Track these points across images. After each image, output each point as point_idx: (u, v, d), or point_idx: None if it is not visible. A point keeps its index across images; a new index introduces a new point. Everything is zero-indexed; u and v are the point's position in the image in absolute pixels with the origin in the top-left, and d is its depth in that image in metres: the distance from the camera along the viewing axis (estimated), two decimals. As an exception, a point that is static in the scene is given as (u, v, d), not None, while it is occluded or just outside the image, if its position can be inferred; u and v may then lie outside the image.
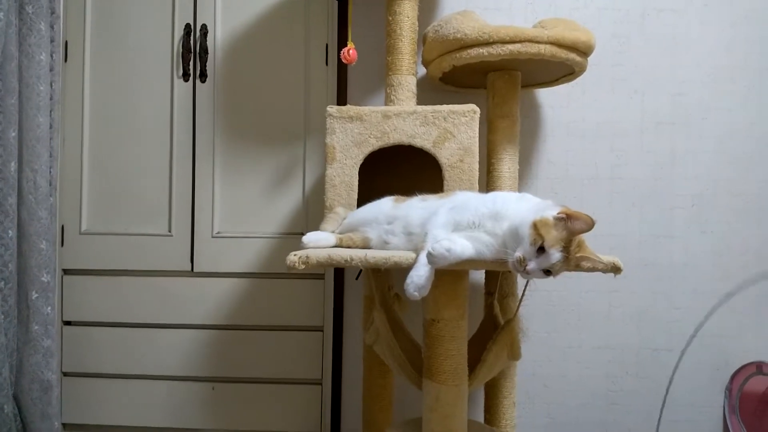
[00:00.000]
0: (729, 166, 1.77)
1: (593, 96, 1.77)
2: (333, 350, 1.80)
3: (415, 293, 1.01)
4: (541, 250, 0.96)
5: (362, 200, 1.38)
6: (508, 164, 1.53)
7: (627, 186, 1.77)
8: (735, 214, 1.77)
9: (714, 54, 1.76)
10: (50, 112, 1.71)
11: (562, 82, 1.62)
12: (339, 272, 1.81)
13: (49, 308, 1.64)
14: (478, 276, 1.65)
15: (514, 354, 1.33)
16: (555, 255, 0.96)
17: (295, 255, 1.11)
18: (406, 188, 1.32)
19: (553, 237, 0.95)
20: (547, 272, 0.98)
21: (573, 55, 1.41)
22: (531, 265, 0.96)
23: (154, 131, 1.84)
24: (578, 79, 1.60)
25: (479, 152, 1.40)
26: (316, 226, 1.38)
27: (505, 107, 1.52)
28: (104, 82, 1.85)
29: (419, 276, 1.02)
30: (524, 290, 1.35)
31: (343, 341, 1.80)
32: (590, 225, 0.94)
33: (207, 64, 1.81)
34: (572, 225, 0.96)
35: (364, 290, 1.53)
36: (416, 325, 1.36)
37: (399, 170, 1.52)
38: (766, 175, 1.76)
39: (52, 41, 1.71)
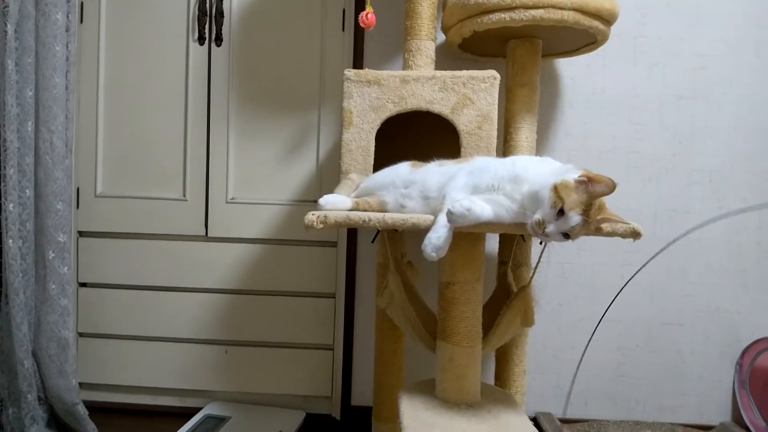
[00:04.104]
0: (747, 142, 1.75)
1: (614, 68, 1.74)
2: (345, 316, 1.82)
3: (433, 254, 1.01)
4: (560, 213, 0.95)
5: (378, 166, 1.38)
6: (525, 134, 1.52)
7: (645, 160, 1.76)
8: (752, 190, 1.75)
9: (738, 27, 1.72)
10: (66, 73, 1.70)
11: (584, 52, 1.60)
12: (352, 240, 1.82)
13: (66, 268, 1.66)
14: (492, 245, 1.65)
15: (528, 320, 1.33)
16: (574, 218, 0.95)
17: (313, 215, 1.11)
18: (423, 154, 1.31)
19: (573, 200, 0.95)
20: (566, 235, 0.98)
21: (596, 23, 1.38)
22: (550, 228, 0.96)
23: (168, 95, 1.83)
24: (599, 51, 1.58)
25: (497, 121, 1.38)
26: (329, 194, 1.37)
27: (525, 76, 1.50)
28: (119, 45, 1.85)
29: (437, 237, 1.02)
30: (539, 258, 1.35)
31: (355, 308, 1.82)
32: (611, 188, 0.94)
33: (223, 27, 1.80)
34: (593, 188, 0.95)
35: (377, 257, 1.53)
36: (428, 294, 1.37)
37: (416, 136, 1.51)
38: (786, 152, 1.74)
39: (68, 1, 1.69)
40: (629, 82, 1.75)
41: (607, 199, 1.00)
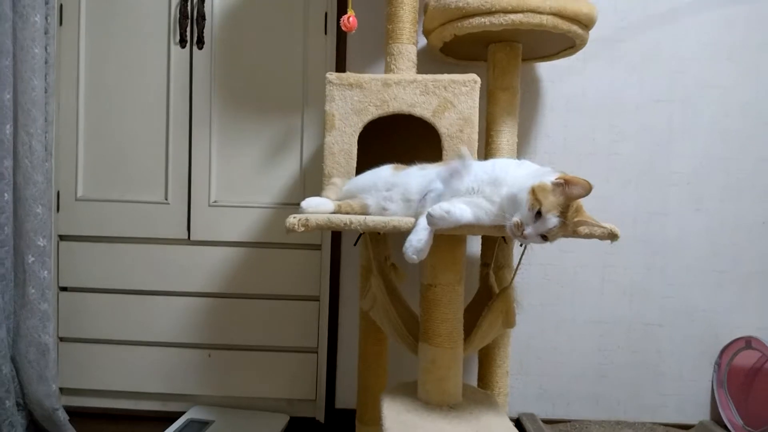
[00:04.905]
0: (724, 144, 1.78)
1: (593, 71, 1.77)
2: (329, 319, 1.82)
3: (414, 256, 1.02)
4: (538, 215, 0.97)
5: (360, 169, 1.38)
6: (507, 137, 1.53)
7: (624, 162, 1.78)
8: (729, 192, 1.78)
9: (714, 31, 1.76)
10: (45, 76, 1.69)
11: (563, 56, 1.62)
12: (336, 243, 1.82)
13: (46, 272, 1.64)
14: (475, 248, 1.66)
15: (509, 321, 1.35)
16: (552, 220, 0.96)
17: (294, 218, 1.11)
18: (405, 158, 1.32)
19: (550, 202, 0.96)
20: (544, 237, 0.99)
21: (575, 27, 1.40)
22: (528, 230, 0.97)
23: (150, 98, 1.82)
24: (579, 54, 1.60)
25: (478, 125, 1.39)
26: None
27: (506, 79, 1.52)
28: (100, 48, 1.83)
29: (418, 240, 1.02)
30: (520, 259, 1.37)
31: (339, 311, 1.82)
32: (587, 190, 0.95)
33: (204, 30, 1.79)
34: (570, 190, 0.96)
35: (361, 260, 1.53)
36: (411, 296, 1.38)
37: (398, 140, 1.52)
38: (761, 154, 1.78)
39: (46, 3, 1.67)
40: (608, 85, 1.77)
41: (587, 201, 1.01)
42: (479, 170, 1.08)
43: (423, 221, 1.03)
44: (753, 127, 1.77)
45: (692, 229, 1.79)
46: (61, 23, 1.81)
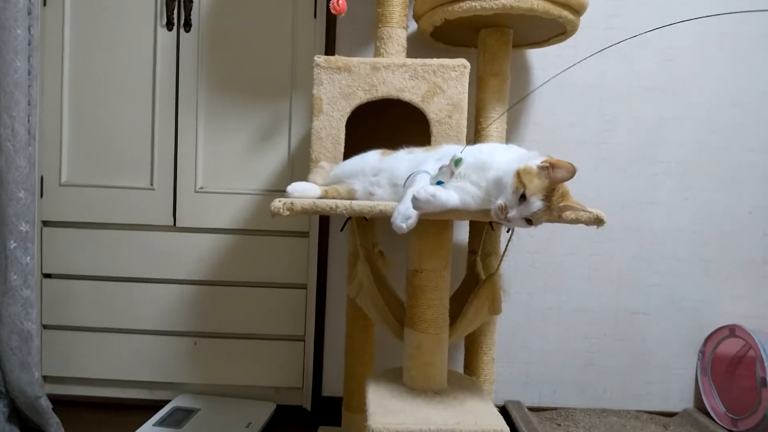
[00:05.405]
0: (714, 134, 1.78)
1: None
2: (316, 307, 1.81)
3: (402, 224, 0.99)
4: (522, 198, 0.96)
5: (348, 154, 1.37)
6: (496, 123, 1.52)
7: (613, 151, 1.78)
8: (717, 182, 1.79)
9: (706, 20, 1.74)
10: (28, 57, 1.65)
11: (554, 43, 1.61)
12: (323, 231, 1.80)
13: (28, 258, 1.61)
14: (462, 235, 1.65)
15: (495, 308, 1.34)
16: (536, 203, 0.96)
17: (280, 201, 1.09)
18: (394, 143, 1.30)
19: (535, 185, 0.95)
20: (529, 221, 0.98)
21: (566, 13, 1.39)
22: (512, 213, 0.96)
23: (136, 81, 1.79)
24: (569, 42, 1.58)
25: (468, 111, 1.38)
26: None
27: (496, 65, 1.51)
28: (85, 29, 1.80)
29: (406, 207, 1.00)
30: (506, 246, 1.36)
31: (327, 298, 1.81)
32: (572, 173, 0.94)
33: (192, 13, 1.76)
34: (554, 173, 0.96)
35: (348, 246, 1.52)
36: (398, 283, 1.37)
37: (386, 124, 1.51)
38: (750, 145, 1.78)
39: (29, -17, 1.64)
40: (599, 73, 1.76)
41: (575, 189, 1.01)
42: (466, 155, 1.07)
43: (411, 192, 1.02)
44: (743, 117, 1.77)
45: (680, 218, 1.79)
46: (45, 3, 1.78)
